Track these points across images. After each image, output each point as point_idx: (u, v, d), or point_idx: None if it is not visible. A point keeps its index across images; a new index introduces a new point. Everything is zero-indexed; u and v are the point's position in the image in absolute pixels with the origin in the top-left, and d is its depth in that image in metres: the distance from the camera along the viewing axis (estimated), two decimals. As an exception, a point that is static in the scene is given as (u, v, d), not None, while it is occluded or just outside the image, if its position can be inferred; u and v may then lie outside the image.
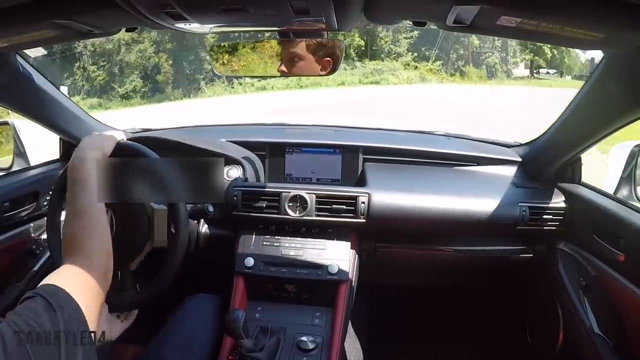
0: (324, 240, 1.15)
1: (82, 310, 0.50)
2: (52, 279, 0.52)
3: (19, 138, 1.52)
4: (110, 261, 0.61)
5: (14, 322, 0.43)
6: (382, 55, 18.41)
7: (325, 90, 15.79)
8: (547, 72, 20.13)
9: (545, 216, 1.13)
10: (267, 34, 0.87)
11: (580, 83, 1.02)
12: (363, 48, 18.51)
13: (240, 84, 17.02)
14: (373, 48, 18.64)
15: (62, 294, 0.49)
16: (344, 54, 0.86)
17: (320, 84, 16.45)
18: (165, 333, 0.91)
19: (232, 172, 1.24)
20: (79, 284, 0.53)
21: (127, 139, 0.83)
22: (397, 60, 18.17)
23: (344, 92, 14.94)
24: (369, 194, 1.12)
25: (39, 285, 0.51)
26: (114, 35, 0.87)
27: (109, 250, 0.61)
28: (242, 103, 13.51)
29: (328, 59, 0.84)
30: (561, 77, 19.78)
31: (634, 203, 1.08)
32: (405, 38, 18.35)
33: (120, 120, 2.13)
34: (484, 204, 1.12)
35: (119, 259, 0.69)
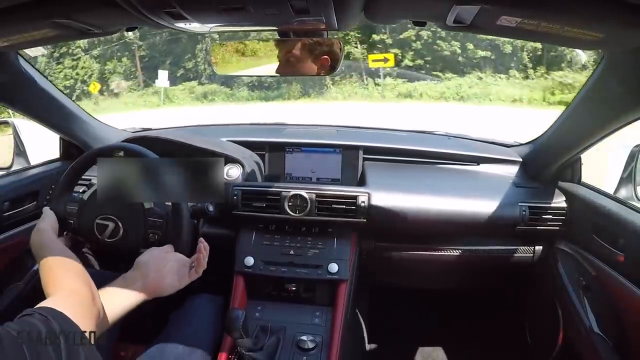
0: (324, 239, 1.15)
1: (75, 323, 0.53)
2: (43, 304, 0.55)
3: (19, 137, 1.52)
4: (91, 283, 0.67)
5: (11, 327, 0.45)
6: (563, 65, 13.41)
7: (496, 107, 11.62)
8: None
9: (545, 216, 1.13)
10: (267, 34, 0.87)
11: None
12: (539, 52, 13.81)
13: (377, 84, 13.30)
14: (551, 54, 13.77)
15: (57, 310, 0.53)
16: (344, 53, 0.86)
17: (489, 98, 12.77)
18: (166, 333, 0.91)
19: (232, 172, 1.24)
20: (69, 305, 0.56)
21: (127, 139, 0.83)
22: (580, 73, 12.84)
23: (523, 114, 9.35)
24: (369, 193, 1.12)
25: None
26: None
27: (87, 281, 0.67)
28: (378, 115, 9.24)
29: (326, 57, 0.83)
30: None
31: (634, 203, 1.08)
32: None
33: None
34: (483, 204, 1.12)
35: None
